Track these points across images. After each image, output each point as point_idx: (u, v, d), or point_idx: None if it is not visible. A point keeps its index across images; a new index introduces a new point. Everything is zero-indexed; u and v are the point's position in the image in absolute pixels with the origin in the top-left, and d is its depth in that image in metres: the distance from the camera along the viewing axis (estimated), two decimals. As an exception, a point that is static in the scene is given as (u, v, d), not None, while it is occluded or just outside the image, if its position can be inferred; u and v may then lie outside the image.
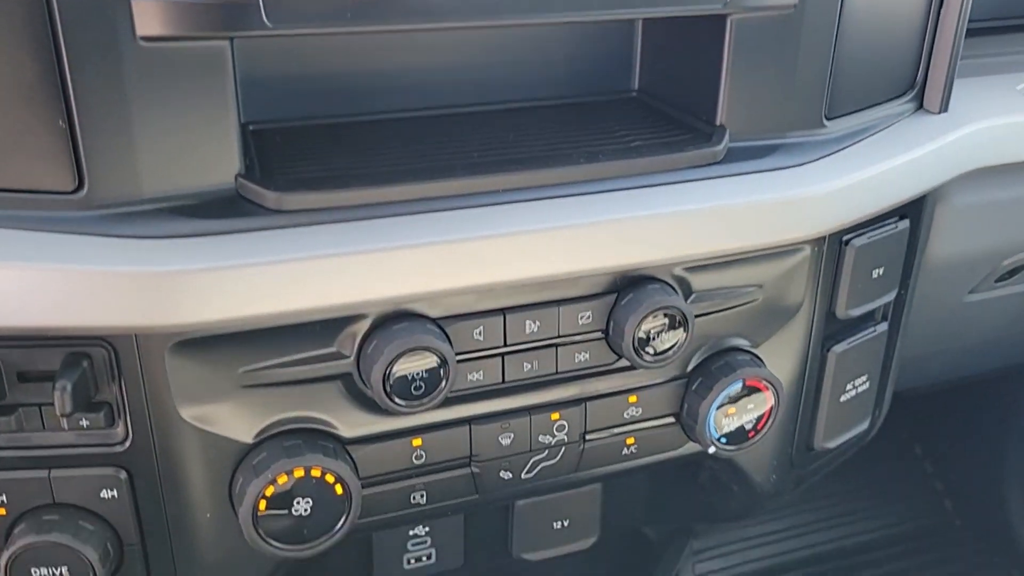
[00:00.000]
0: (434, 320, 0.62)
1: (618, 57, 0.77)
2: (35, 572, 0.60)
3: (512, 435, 0.69)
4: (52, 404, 0.57)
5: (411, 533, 0.81)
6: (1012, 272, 0.95)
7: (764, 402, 0.73)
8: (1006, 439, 1.60)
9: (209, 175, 0.58)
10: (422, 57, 0.72)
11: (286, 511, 0.61)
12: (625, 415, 0.72)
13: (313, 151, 0.65)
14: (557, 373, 0.68)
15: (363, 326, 0.61)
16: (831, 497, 1.70)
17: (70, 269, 0.54)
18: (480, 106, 0.74)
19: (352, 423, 0.64)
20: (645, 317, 0.65)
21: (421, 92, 0.73)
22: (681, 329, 0.67)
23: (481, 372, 0.66)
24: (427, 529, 0.81)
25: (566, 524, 0.85)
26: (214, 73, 0.56)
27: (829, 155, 0.72)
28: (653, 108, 0.75)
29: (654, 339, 0.67)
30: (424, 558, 0.82)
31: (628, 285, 0.67)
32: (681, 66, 0.72)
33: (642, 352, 0.67)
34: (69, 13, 0.52)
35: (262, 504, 0.61)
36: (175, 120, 0.56)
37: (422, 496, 0.68)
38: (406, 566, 0.82)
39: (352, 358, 0.62)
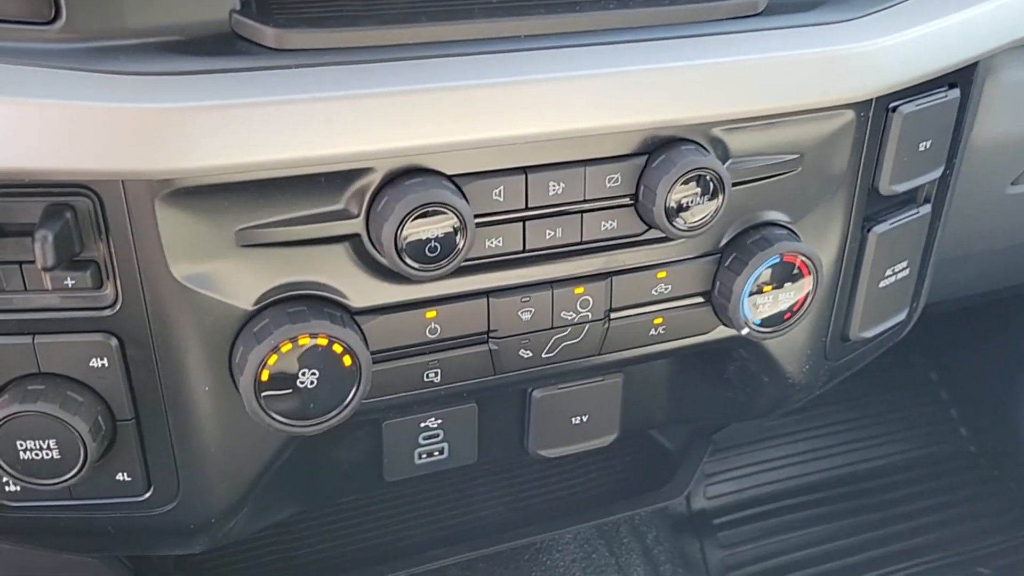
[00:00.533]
0: (450, 177, 0.57)
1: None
2: (21, 445, 0.56)
3: (533, 310, 0.64)
4: (34, 262, 0.52)
5: (422, 426, 0.77)
6: (1059, 161, 0.89)
7: (802, 282, 0.68)
8: (1021, 366, 1.59)
9: (200, 8, 0.53)
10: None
11: (290, 383, 0.57)
12: (653, 292, 0.67)
13: None
14: (582, 242, 0.63)
15: (372, 181, 0.56)
16: (845, 423, 1.70)
17: (47, 104, 0.49)
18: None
19: (361, 291, 0.59)
20: (678, 180, 0.60)
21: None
22: (717, 197, 0.62)
23: (500, 238, 0.61)
24: (439, 422, 0.77)
25: (585, 420, 0.80)
26: None
27: (879, 10, 0.67)
28: None
29: (687, 207, 0.62)
30: (436, 453, 0.78)
31: (660, 145, 0.61)
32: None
33: (674, 221, 0.62)
34: None
35: (264, 375, 0.56)
36: None
37: (436, 374, 0.64)
38: (417, 461, 0.78)
39: (361, 217, 0.57)
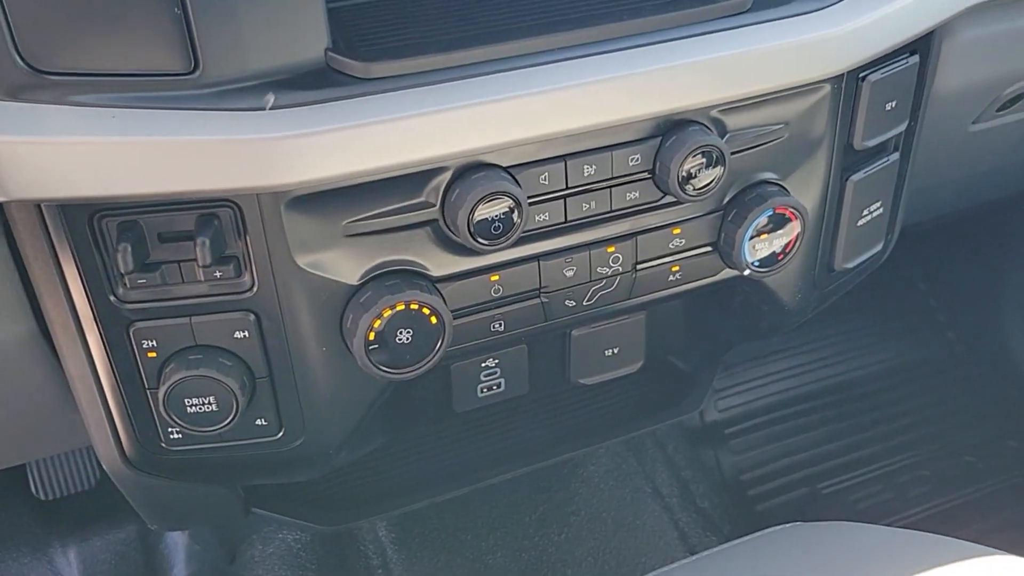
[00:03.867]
0: (506, 168, 0.71)
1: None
2: (187, 402, 0.71)
3: (575, 268, 0.79)
4: (189, 260, 0.67)
5: (483, 366, 0.92)
6: (1013, 100, 1.02)
7: (791, 228, 0.83)
8: (1005, 268, 1.70)
9: (303, 51, 0.66)
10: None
11: (391, 340, 0.72)
12: (670, 245, 0.81)
13: (384, 23, 0.72)
14: (611, 211, 0.77)
15: (446, 177, 0.70)
16: (840, 335, 1.82)
17: (198, 140, 0.63)
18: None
19: (440, 263, 0.74)
20: (687, 156, 0.74)
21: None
22: (719, 166, 0.76)
23: (547, 213, 0.75)
24: (496, 361, 0.92)
25: (616, 351, 0.96)
26: None
27: (846, -2, 0.79)
28: None
29: (695, 176, 0.76)
30: (494, 387, 0.93)
31: (671, 128, 0.75)
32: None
33: (685, 188, 0.76)
34: None
35: (370, 335, 0.71)
36: (272, 2, 0.63)
37: (500, 324, 0.79)
38: (479, 394, 0.93)
39: (438, 206, 0.71)
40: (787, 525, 0.81)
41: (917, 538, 0.71)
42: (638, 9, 0.74)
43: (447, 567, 1.30)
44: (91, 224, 0.66)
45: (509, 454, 1.18)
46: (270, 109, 0.64)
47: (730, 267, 0.85)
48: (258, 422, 0.76)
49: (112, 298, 0.69)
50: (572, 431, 1.21)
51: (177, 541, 1.53)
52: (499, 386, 0.93)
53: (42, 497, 1.50)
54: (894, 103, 0.86)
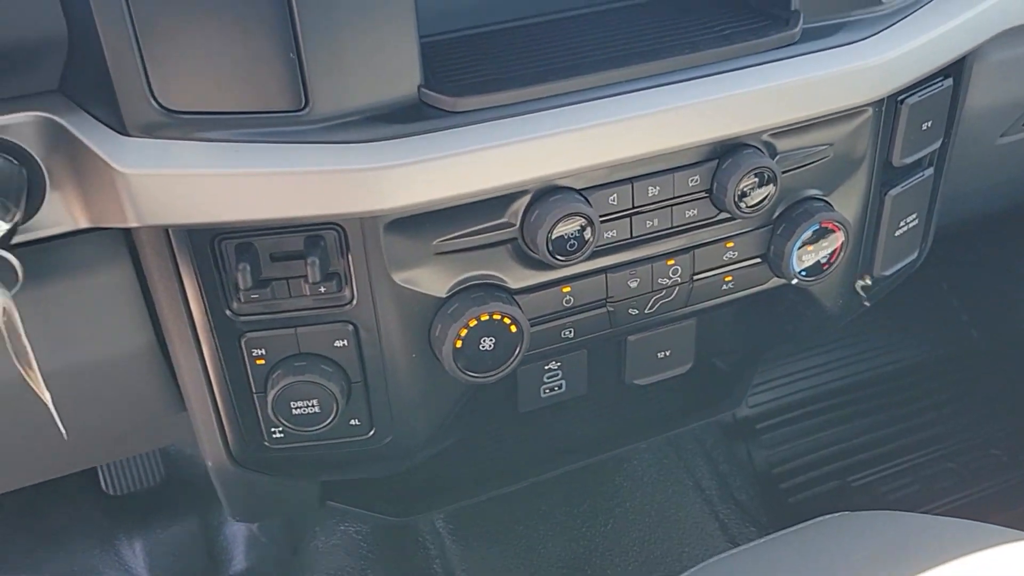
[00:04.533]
0: (579, 191, 0.79)
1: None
2: (293, 405, 0.79)
3: (638, 279, 0.86)
4: (297, 278, 0.75)
5: (546, 368, 0.99)
6: (1039, 116, 1.09)
7: (835, 240, 0.90)
8: (1018, 273, 1.74)
9: (399, 88, 0.73)
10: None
11: (475, 347, 0.80)
12: (724, 258, 0.88)
13: (468, 60, 0.79)
14: (672, 227, 0.85)
15: (525, 200, 0.78)
16: (868, 334, 1.86)
17: (309, 171, 0.70)
18: (594, 7, 0.88)
19: (518, 277, 0.81)
20: (743, 176, 0.81)
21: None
22: (770, 185, 0.83)
23: (615, 230, 0.82)
24: (559, 364, 0.99)
25: (668, 354, 1.03)
26: (403, 2, 0.70)
27: (886, 28, 0.86)
28: (737, 1, 0.88)
29: (749, 194, 0.83)
30: (556, 388, 1.01)
31: (727, 151, 0.82)
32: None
33: (740, 205, 0.83)
34: None
35: (457, 343, 0.79)
36: (373, 43, 0.70)
37: (570, 331, 0.86)
38: (542, 395, 1.00)
39: (518, 226, 0.78)
40: (833, 515, 0.87)
41: (963, 526, 0.77)
42: (696, 43, 0.81)
43: (502, 556, 1.38)
44: (212, 246, 0.73)
45: (562, 450, 1.26)
46: (369, 142, 0.71)
47: (778, 276, 0.91)
48: (352, 422, 0.84)
49: (227, 312, 0.76)
50: (620, 429, 1.28)
51: (237, 534, 1.61)
52: (560, 387, 1.00)
53: (111, 493, 1.59)
54: (929, 123, 0.93)
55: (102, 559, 1.58)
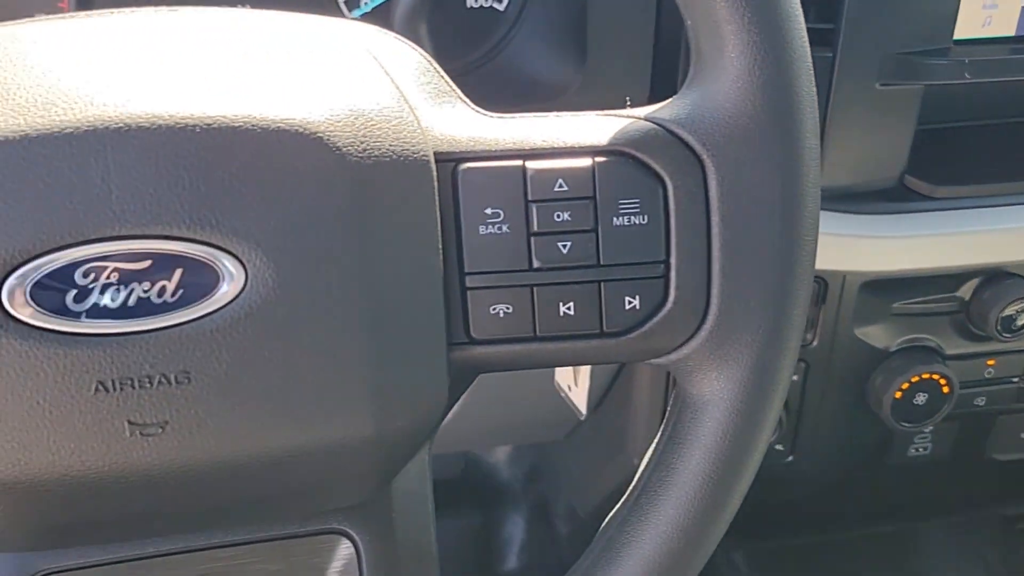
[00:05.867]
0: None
1: None
2: None
3: None
4: None
5: (923, 429, 1.10)
6: None
7: None
8: None
9: (888, 172, 0.87)
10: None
11: (910, 400, 0.91)
12: None
13: (945, 152, 0.92)
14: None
15: (976, 281, 0.89)
16: None
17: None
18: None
19: (954, 344, 0.92)
20: None
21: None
22: None
23: (1042, 314, 0.92)
24: (931, 428, 1.09)
25: (1032, 436, 1.10)
26: (911, 106, 0.84)
27: None
28: None
29: None
30: (922, 449, 1.10)
31: None
32: None
33: None
34: None
35: (897, 395, 0.91)
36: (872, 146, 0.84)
37: (982, 400, 0.97)
38: (908, 453, 1.11)
39: (967, 300, 0.90)
40: None
41: None
42: None
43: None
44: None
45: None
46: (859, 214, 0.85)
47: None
48: (776, 447, 0.97)
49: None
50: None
51: (512, 534, 1.77)
52: (926, 449, 1.10)
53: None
54: None
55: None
